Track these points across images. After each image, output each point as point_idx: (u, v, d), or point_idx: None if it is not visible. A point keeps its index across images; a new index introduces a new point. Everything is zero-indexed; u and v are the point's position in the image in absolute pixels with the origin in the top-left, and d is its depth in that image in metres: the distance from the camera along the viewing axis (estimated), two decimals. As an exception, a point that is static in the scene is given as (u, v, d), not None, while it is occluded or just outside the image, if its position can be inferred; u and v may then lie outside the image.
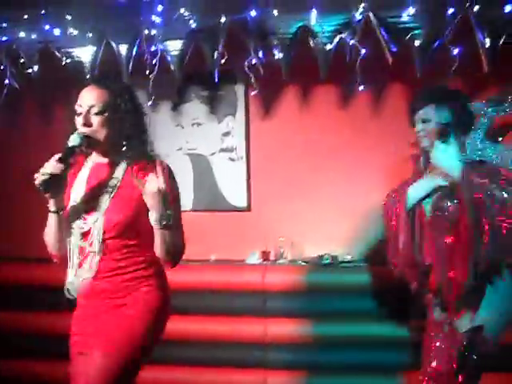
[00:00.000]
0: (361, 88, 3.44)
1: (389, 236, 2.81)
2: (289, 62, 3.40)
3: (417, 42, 3.19)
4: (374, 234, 3.60)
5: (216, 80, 3.51)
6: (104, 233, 2.04)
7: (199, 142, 4.16)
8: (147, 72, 3.39)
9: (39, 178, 1.89)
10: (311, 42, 3.31)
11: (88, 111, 2.04)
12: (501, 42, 3.10)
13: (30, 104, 4.21)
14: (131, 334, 2.06)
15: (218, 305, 3.67)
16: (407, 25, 3.19)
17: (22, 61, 3.58)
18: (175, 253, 2.08)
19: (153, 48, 3.36)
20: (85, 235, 2.07)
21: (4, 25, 3.49)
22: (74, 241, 2.08)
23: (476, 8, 3.04)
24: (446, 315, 2.57)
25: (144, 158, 2.13)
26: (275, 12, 3.25)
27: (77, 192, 2.11)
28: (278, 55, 3.36)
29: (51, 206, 2.01)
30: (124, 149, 2.09)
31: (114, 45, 3.44)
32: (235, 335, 3.63)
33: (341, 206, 3.87)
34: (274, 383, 3.60)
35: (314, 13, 3.21)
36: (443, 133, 2.60)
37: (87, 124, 2.03)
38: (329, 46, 3.30)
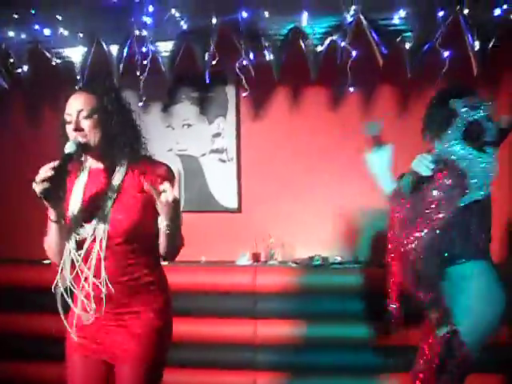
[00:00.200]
0: (351, 89, 3.45)
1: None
2: (280, 63, 3.40)
3: (407, 45, 3.21)
4: (365, 235, 3.61)
5: (207, 81, 3.50)
6: (110, 239, 2.02)
7: (190, 143, 4.15)
8: (138, 73, 3.38)
9: (38, 186, 1.85)
10: (302, 44, 3.31)
11: (77, 116, 2.03)
12: (490, 45, 3.12)
13: (19, 104, 4.19)
14: (149, 344, 2.08)
15: (208, 306, 3.66)
16: (398, 27, 3.20)
17: (11, 60, 3.55)
18: (177, 251, 2.13)
19: (144, 49, 3.34)
20: (84, 242, 2.03)
21: (-7, 24, 3.47)
22: (73, 248, 2.04)
23: (466, 11, 3.05)
24: (431, 317, 2.58)
25: (141, 160, 2.12)
26: (266, 13, 3.24)
27: (76, 199, 2.09)
28: (269, 56, 3.36)
29: (52, 215, 1.98)
30: (118, 150, 2.07)
31: (104, 45, 3.42)
32: (225, 336, 3.63)
33: (331, 207, 3.89)
34: (264, 384, 3.60)
35: (305, 14, 3.20)
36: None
37: (78, 129, 2.02)
38: (320, 48, 3.30)
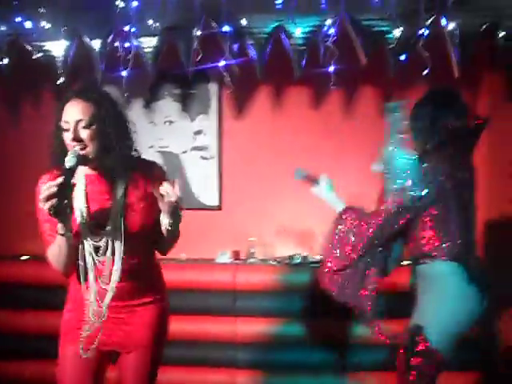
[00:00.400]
0: (333, 88, 3.46)
1: None
2: (263, 61, 3.40)
3: (390, 45, 3.23)
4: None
5: (190, 78, 3.49)
6: (124, 244, 2.08)
7: (171, 140, 4.14)
8: (120, 68, 3.35)
9: (46, 204, 1.84)
10: (286, 43, 3.32)
11: (76, 126, 2.00)
12: (472, 48, 3.16)
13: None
14: (159, 331, 2.25)
15: (188, 304, 3.65)
16: (381, 28, 3.23)
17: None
18: (175, 245, 2.27)
19: (127, 44, 3.31)
20: (99, 250, 2.08)
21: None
22: (89, 256, 2.09)
23: (448, 14, 3.08)
24: None
25: (136, 163, 2.15)
26: (251, 11, 3.24)
27: (81, 208, 2.08)
28: (253, 55, 3.36)
29: (60, 229, 1.97)
30: (115, 159, 2.06)
31: (87, 40, 3.38)
32: (206, 334, 3.63)
33: (312, 206, 3.89)
34: (244, 382, 3.60)
35: (289, 13, 3.21)
36: None
37: (77, 139, 2.00)
38: (303, 47, 3.32)
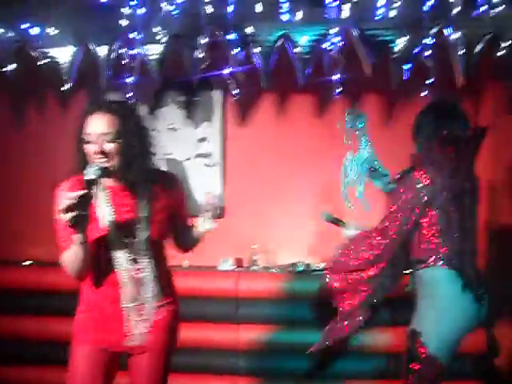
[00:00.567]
0: (338, 97, 3.48)
1: None
2: (268, 69, 3.42)
3: (394, 55, 3.25)
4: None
5: (194, 86, 3.51)
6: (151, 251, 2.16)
7: (175, 147, 4.15)
8: (125, 75, 3.37)
9: (67, 215, 1.84)
10: (290, 51, 3.34)
11: (101, 139, 2.01)
12: (474, 58, 3.18)
13: (4, 104, 4.15)
14: (171, 335, 2.31)
15: (190, 311, 3.62)
16: (386, 37, 3.25)
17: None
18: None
19: (132, 51, 3.34)
20: (131, 260, 2.13)
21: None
22: (124, 267, 2.12)
23: (452, 24, 3.11)
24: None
25: (155, 175, 2.19)
26: (256, 20, 3.26)
27: (108, 220, 2.09)
28: (258, 63, 3.38)
29: (77, 239, 1.97)
30: (137, 173, 2.09)
31: (93, 46, 3.40)
32: (208, 341, 3.62)
33: (315, 213, 3.89)
34: (246, 390, 3.60)
35: (294, 22, 3.23)
36: None
37: (103, 153, 2.01)
38: (308, 56, 3.34)
